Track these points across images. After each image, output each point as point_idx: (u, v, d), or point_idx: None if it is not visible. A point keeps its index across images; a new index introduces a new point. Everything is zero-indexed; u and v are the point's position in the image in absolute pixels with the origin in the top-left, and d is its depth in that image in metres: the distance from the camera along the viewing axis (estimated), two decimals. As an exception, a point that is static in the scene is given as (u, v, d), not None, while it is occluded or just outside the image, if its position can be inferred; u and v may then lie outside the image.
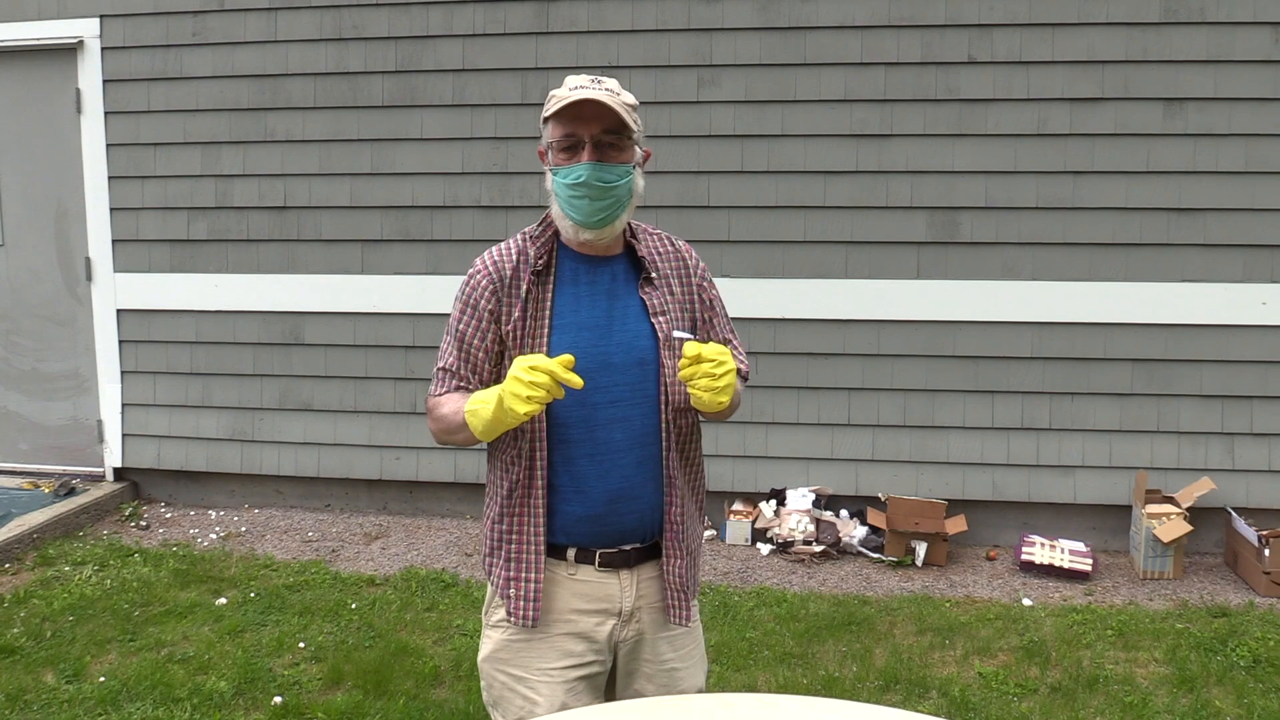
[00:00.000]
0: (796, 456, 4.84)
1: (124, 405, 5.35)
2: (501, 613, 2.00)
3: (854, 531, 4.67)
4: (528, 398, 1.74)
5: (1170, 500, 4.48)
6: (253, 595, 4.20)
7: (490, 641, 2.03)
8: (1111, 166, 4.56)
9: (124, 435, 5.35)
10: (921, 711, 3.12)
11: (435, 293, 5.03)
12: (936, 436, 4.76)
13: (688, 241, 2.14)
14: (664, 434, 1.97)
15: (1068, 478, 4.68)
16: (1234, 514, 4.46)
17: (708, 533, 4.82)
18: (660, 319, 1.97)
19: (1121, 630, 3.86)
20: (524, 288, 1.93)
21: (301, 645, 3.77)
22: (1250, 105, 4.45)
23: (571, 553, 1.97)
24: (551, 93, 1.91)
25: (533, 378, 1.74)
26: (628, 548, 1.98)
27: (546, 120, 1.92)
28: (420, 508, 5.22)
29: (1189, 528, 4.31)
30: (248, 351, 5.22)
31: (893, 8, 4.62)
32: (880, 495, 4.69)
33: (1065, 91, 4.55)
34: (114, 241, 5.27)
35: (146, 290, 5.27)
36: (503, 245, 1.99)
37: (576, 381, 1.75)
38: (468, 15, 4.91)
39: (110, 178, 5.24)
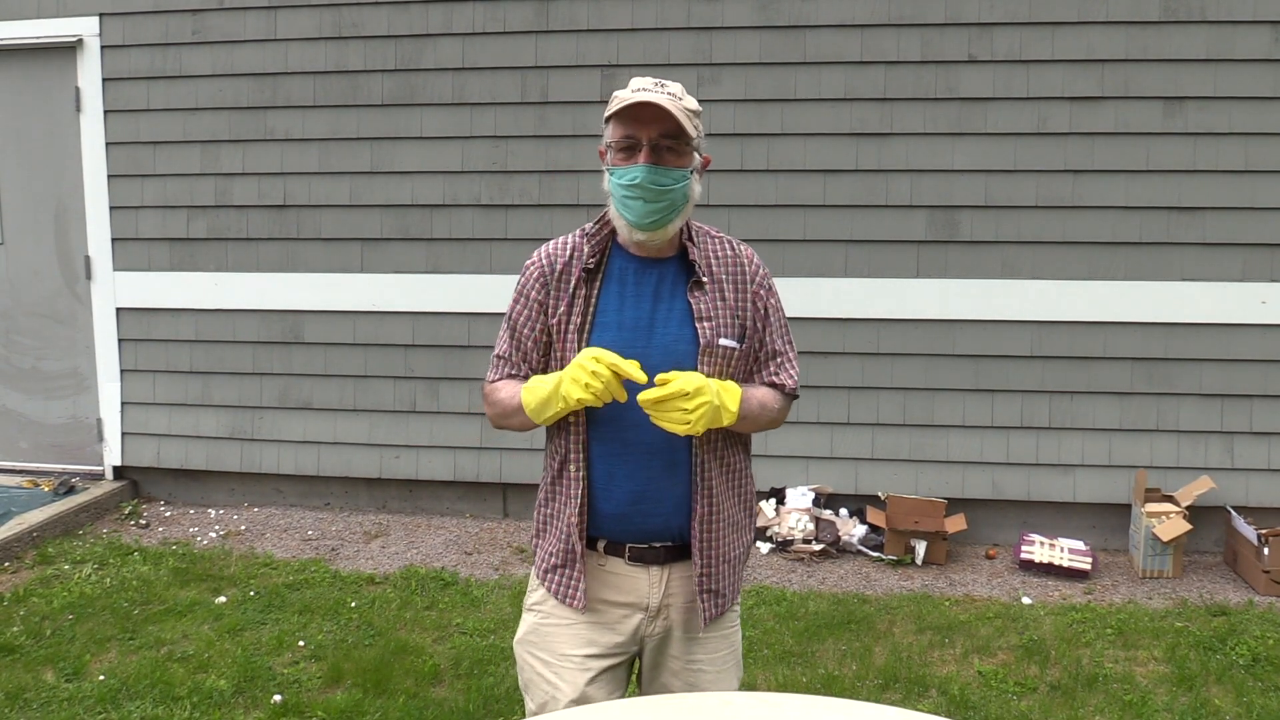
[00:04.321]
0: (796, 455, 4.84)
1: (124, 404, 5.34)
2: (539, 594, 2.07)
3: (853, 530, 4.67)
4: (586, 385, 1.81)
5: (1170, 499, 4.48)
6: (252, 594, 4.20)
7: (524, 624, 2.10)
8: (1111, 165, 4.56)
9: (124, 434, 5.35)
10: (921, 710, 3.12)
11: (435, 291, 5.03)
12: (936, 435, 4.76)
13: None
14: (696, 439, 1.95)
15: (1067, 476, 4.68)
16: (1233, 513, 4.46)
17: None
18: (704, 324, 1.96)
19: (1121, 629, 3.86)
20: (573, 283, 1.98)
21: (301, 644, 3.77)
22: (1250, 104, 4.45)
23: (602, 544, 2.01)
24: (615, 93, 1.92)
25: (595, 368, 1.81)
26: (657, 545, 1.99)
27: (608, 120, 1.93)
28: (420, 506, 5.22)
29: (1188, 526, 4.31)
30: (247, 350, 5.22)
31: (892, 6, 4.62)
32: (880, 494, 4.69)
33: (1065, 90, 4.55)
34: (113, 240, 5.27)
35: (146, 289, 5.27)
36: (561, 239, 2.04)
37: (640, 377, 1.82)
38: (467, 14, 4.90)
39: (110, 176, 5.23)
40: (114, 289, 5.30)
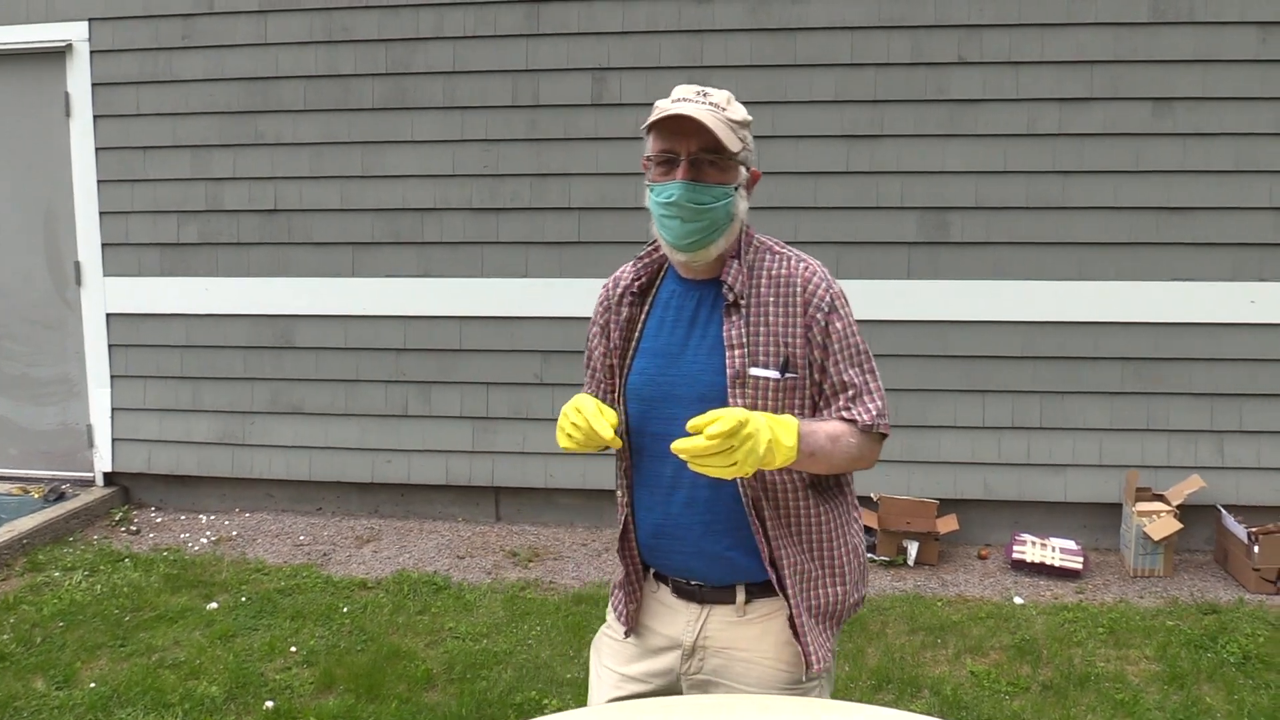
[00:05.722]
0: (788, 457, 4.83)
1: (114, 409, 5.33)
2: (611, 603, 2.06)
3: (846, 532, 4.67)
4: (569, 435, 1.74)
5: (1160, 498, 4.49)
6: (244, 600, 4.18)
7: (602, 627, 2.09)
8: (1101, 166, 4.57)
9: (114, 440, 5.33)
10: (914, 710, 3.12)
11: (426, 295, 5.03)
12: (928, 436, 4.76)
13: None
14: (739, 481, 1.79)
15: (1059, 476, 4.69)
16: (1224, 511, 4.47)
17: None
18: (734, 352, 1.80)
19: (1112, 628, 3.87)
20: (626, 308, 1.92)
21: (293, 649, 3.76)
22: (1238, 105, 4.46)
23: (652, 572, 1.97)
24: (657, 102, 1.80)
25: (574, 419, 1.73)
26: (694, 582, 1.90)
27: (647, 130, 1.81)
28: (412, 510, 5.21)
29: (1179, 525, 4.32)
30: (238, 355, 5.21)
31: (883, 8, 4.63)
32: (872, 495, 4.70)
33: (1054, 91, 4.56)
34: (103, 245, 5.25)
35: (136, 294, 5.26)
36: (628, 264, 1.98)
37: (613, 442, 1.73)
38: (458, 17, 4.90)
39: (100, 181, 5.22)
40: (104, 294, 5.28)
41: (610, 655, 2.01)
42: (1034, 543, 4.48)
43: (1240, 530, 4.31)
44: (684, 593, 1.92)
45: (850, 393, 1.82)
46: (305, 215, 5.10)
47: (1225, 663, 3.58)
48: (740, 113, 1.81)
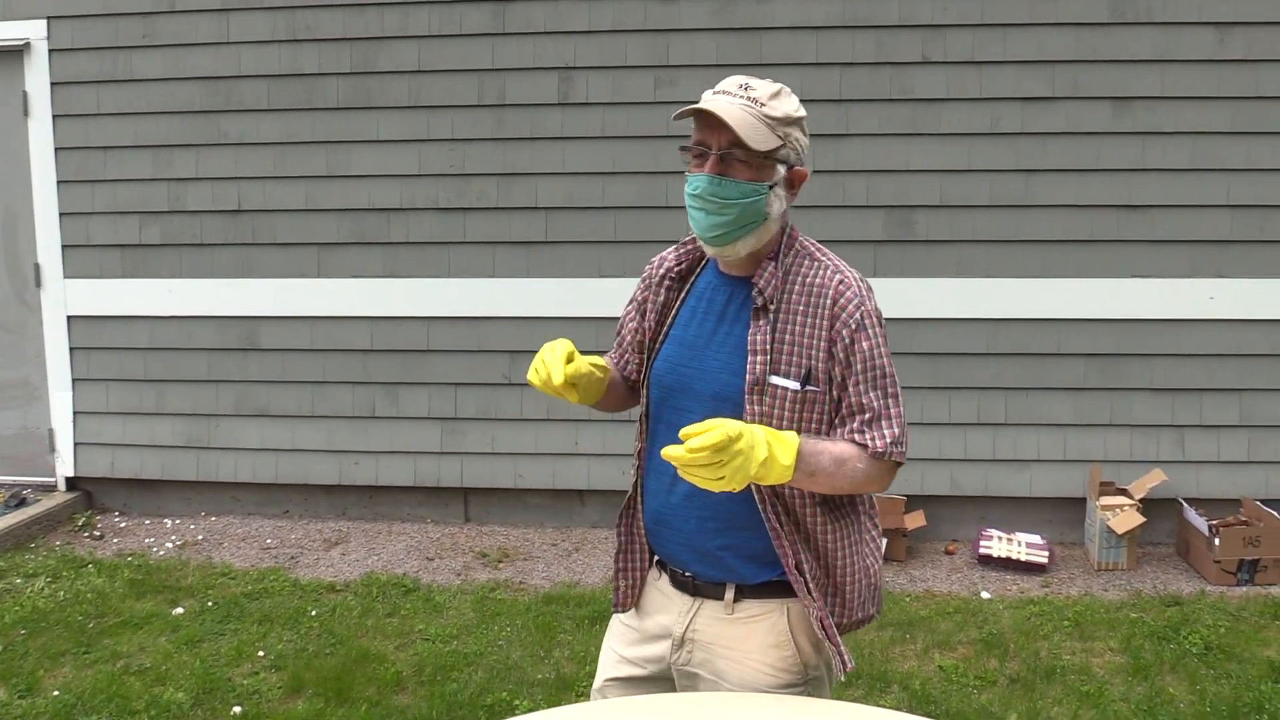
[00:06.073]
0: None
1: (76, 413, 5.25)
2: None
3: (815, 529, 4.69)
4: (535, 371, 1.82)
5: (1123, 492, 4.55)
6: (210, 604, 4.14)
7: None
8: (1063, 165, 4.62)
9: (76, 444, 5.25)
10: (883, 706, 3.15)
11: (393, 296, 5.00)
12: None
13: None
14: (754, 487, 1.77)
15: (1024, 472, 4.75)
16: (1185, 505, 4.54)
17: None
18: (756, 358, 1.77)
19: (1078, 621, 3.92)
20: (664, 290, 1.94)
21: (261, 654, 3.72)
22: (1195, 104, 4.53)
23: (655, 558, 1.99)
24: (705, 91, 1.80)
25: (544, 357, 1.81)
26: (687, 574, 1.90)
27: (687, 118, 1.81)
28: (380, 512, 5.18)
29: (1142, 519, 4.38)
30: (203, 357, 5.15)
31: (847, 8, 4.66)
32: (840, 492, 4.72)
33: (1017, 91, 4.61)
34: (64, 247, 5.18)
35: (98, 296, 5.18)
36: (672, 247, 1.99)
37: (565, 393, 1.82)
38: (423, 16, 4.88)
39: (59, 182, 5.14)
40: (64, 296, 5.21)
41: (615, 635, 2.04)
42: (1000, 538, 4.53)
43: (1201, 523, 4.38)
44: (679, 583, 1.92)
45: (866, 415, 1.76)
46: (269, 216, 5.05)
47: (1188, 653, 3.64)
48: (784, 108, 1.75)
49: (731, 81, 1.79)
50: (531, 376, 1.83)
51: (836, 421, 1.79)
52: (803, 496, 1.80)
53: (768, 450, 1.62)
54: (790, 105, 1.77)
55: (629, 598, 2.00)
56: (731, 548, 1.85)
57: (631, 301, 2.03)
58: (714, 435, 1.56)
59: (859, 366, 1.76)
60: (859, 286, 1.79)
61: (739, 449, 1.58)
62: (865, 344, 1.76)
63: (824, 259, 1.83)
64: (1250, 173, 4.54)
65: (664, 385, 1.89)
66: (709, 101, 1.75)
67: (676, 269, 1.93)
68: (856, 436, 1.77)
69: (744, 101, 1.74)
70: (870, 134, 4.70)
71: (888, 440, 1.76)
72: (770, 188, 1.77)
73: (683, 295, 1.92)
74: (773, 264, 1.80)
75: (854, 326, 1.76)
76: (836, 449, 1.73)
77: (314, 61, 4.96)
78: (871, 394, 1.77)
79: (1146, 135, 4.57)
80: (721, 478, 1.58)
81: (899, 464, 1.79)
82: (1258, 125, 4.52)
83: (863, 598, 1.88)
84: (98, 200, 5.14)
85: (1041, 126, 4.62)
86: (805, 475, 1.68)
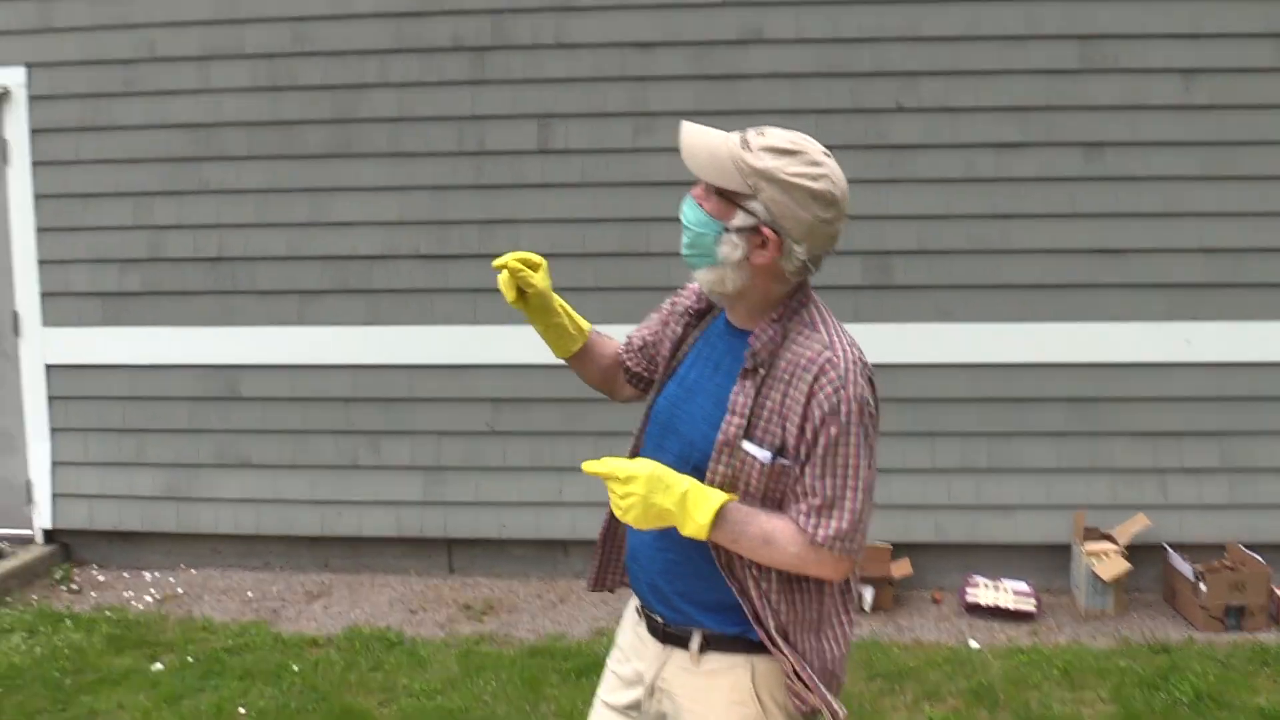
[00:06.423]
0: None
1: (54, 464, 5.19)
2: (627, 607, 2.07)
3: (800, 574, 4.67)
4: (502, 259, 1.96)
5: (1108, 537, 4.56)
6: (190, 659, 4.08)
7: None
8: (1037, 210, 4.67)
9: (54, 495, 5.19)
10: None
11: (375, 343, 4.98)
12: (879, 479, 4.78)
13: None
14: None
15: (1008, 518, 4.75)
16: (1170, 550, 4.55)
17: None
18: (732, 418, 1.75)
19: (1067, 669, 3.91)
20: (684, 323, 1.99)
21: (242, 710, 3.67)
22: (1165, 149, 4.60)
23: (635, 602, 2.01)
24: None
25: (503, 260, 1.95)
26: (657, 618, 1.89)
27: None
28: (364, 564, 5.13)
29: (1128, 565, 4.38)
30: (183, 406, 5.11)
31: (821, 56, 4.71)
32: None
33: (990, 137, 4.67)
34: (43, 295, 5.14)
35: (77, 345, 5.15)
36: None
37: (509, 263, 1.95)
38: (403, 64, 4.90)
39: (39, 229, 5.12)
40: (43, 345, 5.17)
41: (604, 684, 2.05)
42: (986, 585, 4.52)
43: (1187, 568, 4.39)
44: (653, 628, 1.92)
45: (815, 501, 1.71)
46: (251, 263, 5.04)
47: (1178, 702, 3.63)
48: (767, 163, 1.68)
49: (776, 128, 1.77)
50: (496, 262, 1.94)
51: (792, 498, 1.75)
52: (754, 566, 1.76)
53: (681, 503, 1.69)
54: (778, 163, 1.69)
55: (599, 575, 2.11)
56: (687, 595, 1.84)
57: (660, 310, 2.08)
58: (613, 465, 1.71)
59: (819, 451, 1.71)
60: (845, 370, 1.72)
61: (630, 490, 1.68)
62: (833, 429, 1.70)
63: (822, 331, 1.77)
64: (1221, 217, 4.60)
65: (658, 420, 1.92)
66: (686, 131, 1.79)
67: (695, 307, 1.99)
68: (800, 519, 1.73)
69: (738, 139, 1.73)
70: (847, 180, 4.71)
71: (830, 532, 1.71)
72: (725, 229, 1.73)
73: (696, 334, 1.96)
74: (775, 326, 1.77)
75: (827, 409, 1.70)
76: (770, 525, 1.72)
77: (295, 109, 4.97)
78: (826, 480, 1.71)
79: (1118, 180, 4.62)
80: (619, 509, 1.70)
81: (852, 557, 1.74)
82: (1226, 170, 4.58)
83: (814, 677, 1.80)
84: (78, 248, 5.11)
85: (1015, 172, 4.67)
86: (727, 539, 1.72)
